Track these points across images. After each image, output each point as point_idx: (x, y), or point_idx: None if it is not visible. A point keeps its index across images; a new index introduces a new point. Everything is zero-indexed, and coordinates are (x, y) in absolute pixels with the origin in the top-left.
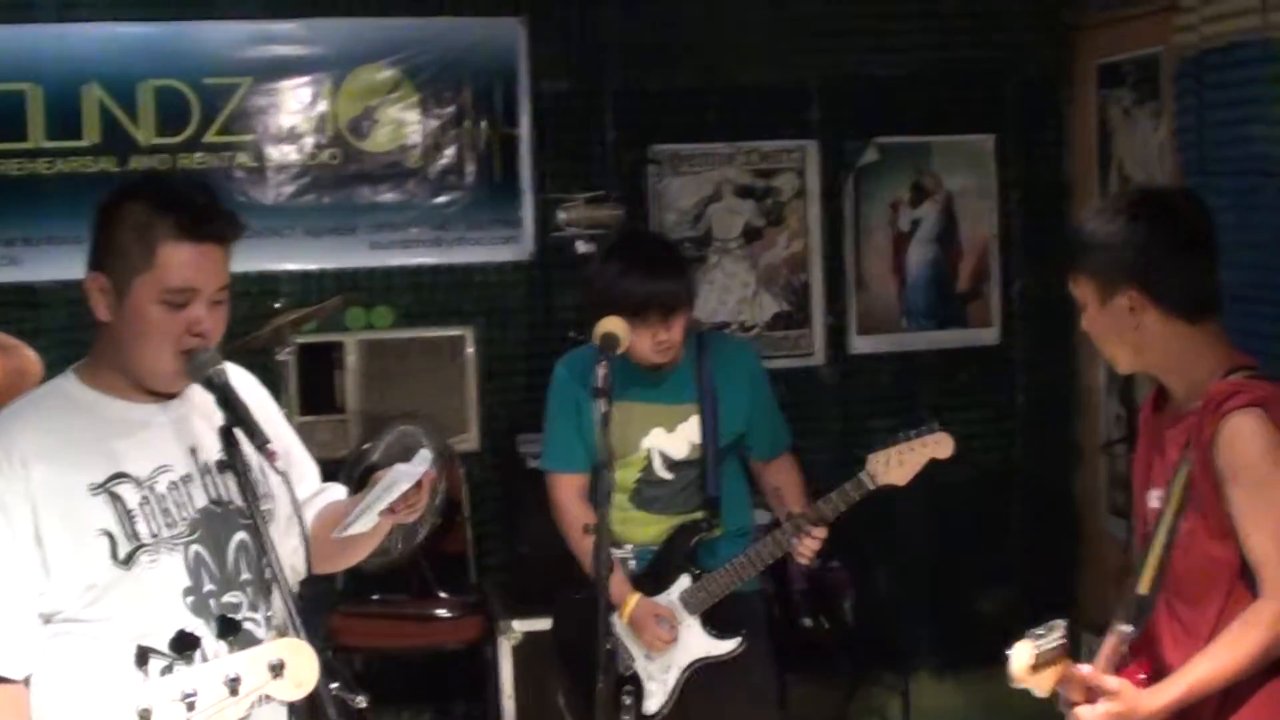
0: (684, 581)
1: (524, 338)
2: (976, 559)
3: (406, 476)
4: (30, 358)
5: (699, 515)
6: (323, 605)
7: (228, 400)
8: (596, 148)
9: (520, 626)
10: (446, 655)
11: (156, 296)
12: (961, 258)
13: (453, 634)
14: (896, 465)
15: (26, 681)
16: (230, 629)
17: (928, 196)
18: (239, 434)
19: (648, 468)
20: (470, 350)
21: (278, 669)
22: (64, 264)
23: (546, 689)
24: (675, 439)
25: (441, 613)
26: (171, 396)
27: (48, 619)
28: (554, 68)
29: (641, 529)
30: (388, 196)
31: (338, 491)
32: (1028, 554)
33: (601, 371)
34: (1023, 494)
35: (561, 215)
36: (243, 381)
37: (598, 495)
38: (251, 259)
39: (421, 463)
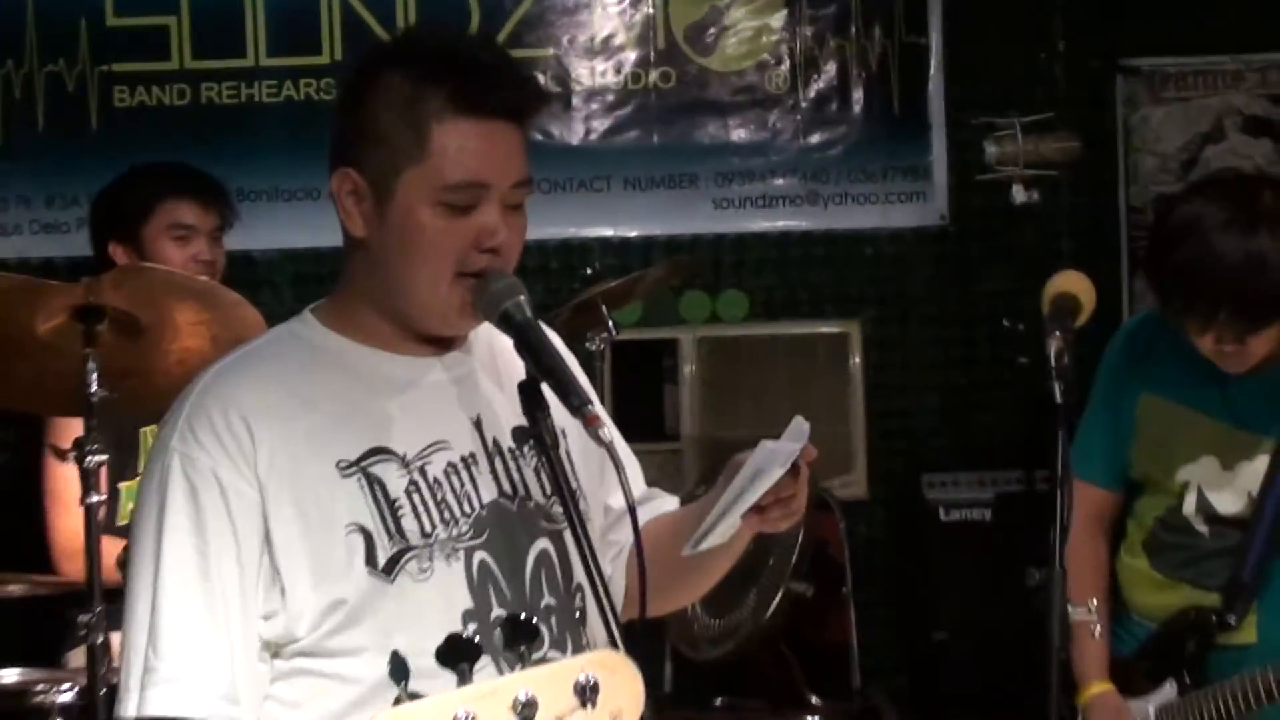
0: (1168, 690)
1: (933, 336)
2: None
3: (779, 457)
4: (255, 320)
5: (1215, 601)
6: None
7: (531, 344)
8: (1042, 65)
9: None
10: None
11: (432, 197)
12: None
13: None
14: None
15: None
16: (524, 634)
17: None
18: (547, 392)
19: (1176, 507)
20: (857, 356)
21: (588, 693)
22: (296, 225)
23: None
24: (1228, 481)
25: None
26: (450, 347)
27: (277, 651)
28: None
29: (1146, 591)
30: (740, 134)
31: (668, 502)
32: None
33: (1055, 346)
34: None
35: (991, 149)
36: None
37: (1058, 522)
38: (551, 220)
39: (796, 437)
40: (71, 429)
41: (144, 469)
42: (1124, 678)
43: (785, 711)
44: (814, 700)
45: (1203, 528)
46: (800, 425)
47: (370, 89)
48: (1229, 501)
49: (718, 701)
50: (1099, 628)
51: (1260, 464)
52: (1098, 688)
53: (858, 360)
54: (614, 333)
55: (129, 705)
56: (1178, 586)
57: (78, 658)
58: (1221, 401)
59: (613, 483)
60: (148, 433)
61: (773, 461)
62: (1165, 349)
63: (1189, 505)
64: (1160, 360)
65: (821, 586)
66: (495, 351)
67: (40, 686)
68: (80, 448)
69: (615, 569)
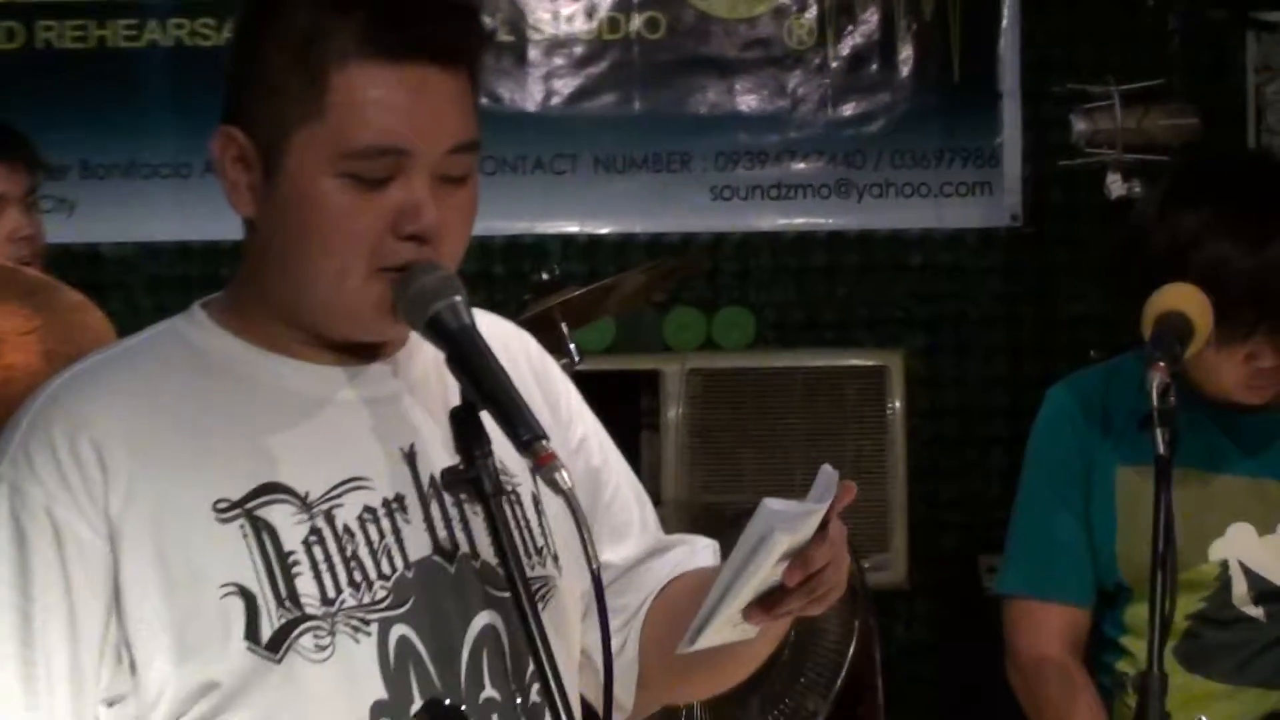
0: None
1: (1001, 371)
2: None
3: (790, 521)
4: (102, 327)
5: None
6: None
7: (467, 358)
8: (1145, 16)
9: None
10: None
11: (333, 165)
12: None
13: None
14: None
15: None
16: None
17: None
18: (486, 418)
19: (1219, 593)
20: (898, 400)
21: None
22: (149, 214)
23: None
24: (1275, 547)
25: None
26: (375, 356)
27: None
28: None
29: (1203, 710)
30: (749, 104)
31: (698, 554)
32: None
33: (1159, 379)
34: None
35: (1080, 126)
36: (495, 334)
37: (1151, 627)
38: (497, 211)
39: (823, 492)
40: None
41: None
42: None
43: None
44: None
45: (1256, 611)
46: (829, 476)
47: (263, 25)
48: None
49: None
50: None
51: None
52: None
53: (899, 404)
54: (576, 359)
55: None
56: (1240, 693)
57: None
58: (1237, 455)
59: (620, 525)
60: None
61: (784, 527)
62: (1127, 413)
63: (1239, 587)
64: (1130, 425)
65: (844, 705)
66: (441, 366)
67: None
68: None
69: (628, 639)
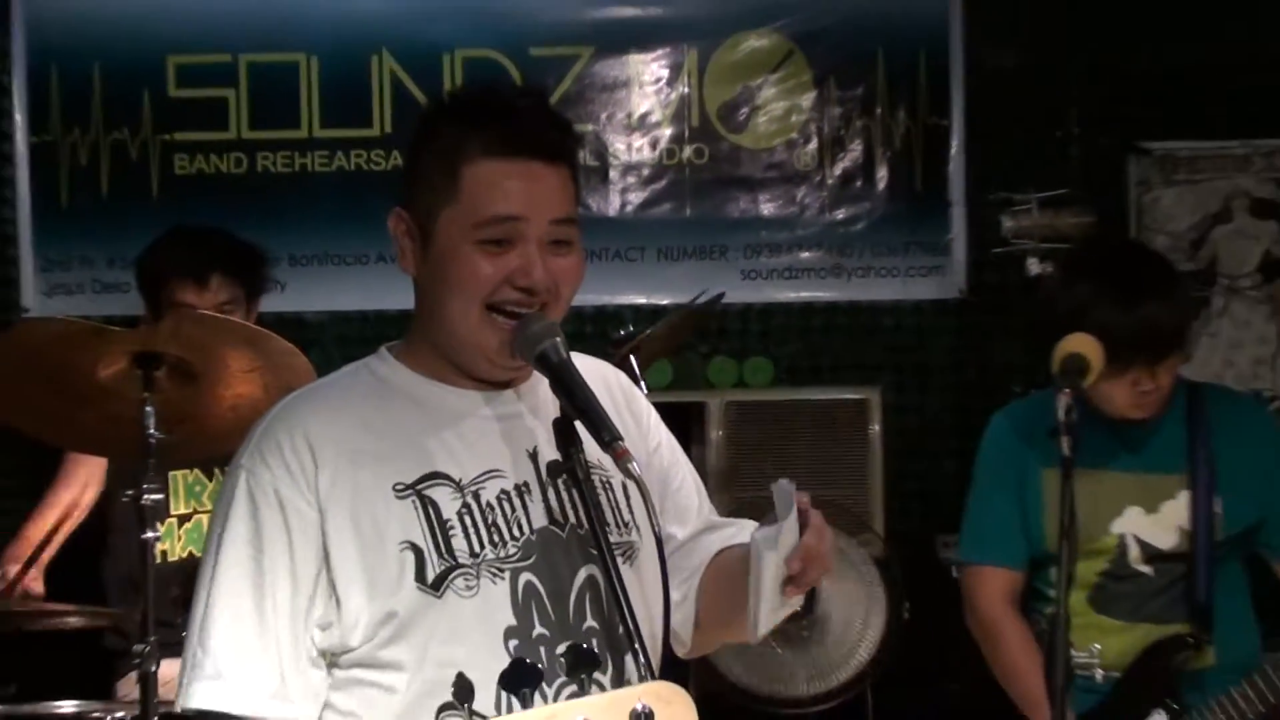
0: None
1: (950, 403)
2: None
3: (773, 537)
4: (305, 369)
5: (1183, 629)
6: None
7: (564, 383)
8: (1057, 147)
9: None
10: None
11: (468, 234)
12: None
13: None
14: None
15: None
16: (586, 662)
17: None
18: (580, 430)
19: (1119, 559)
20: (876, 424)
21: None
22: (342, 290)
23: None
24: (1158, 522)
25: None
26: (505, 388)
27: (334, 661)
28: (997, 37)
29: (1105, 640)
30: (769, 209)
31: (743, 531)
32: None
33: (1064, 402)
34: None
35: (1008, 224)
36: (594, 370)
37: (1059, 582)
38: (587, 287)
39: (784, 503)
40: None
41: (221, 486)
42: None
43: None
44: None
45: (1146, 568)
46: (784, 489)
47: (421, 138)
48: (1164, 539)
49: None
50: (1100, 674)
51: (1181, 498)
52: None
53: (877, 427)
54: (644, 391)
55: (180, 699)
56: (1136, 627)
57: (126, 686)
58: (1127, 456)
59: (681, 508)
60: (177, 477)
61: (768, 546)
62: (1047, 430)
63: (1133, 553)
64: (1049, 439)
65: None
66: (552, 394)
67: (95, 715)
68: (138, 487)
69: (688, 594)
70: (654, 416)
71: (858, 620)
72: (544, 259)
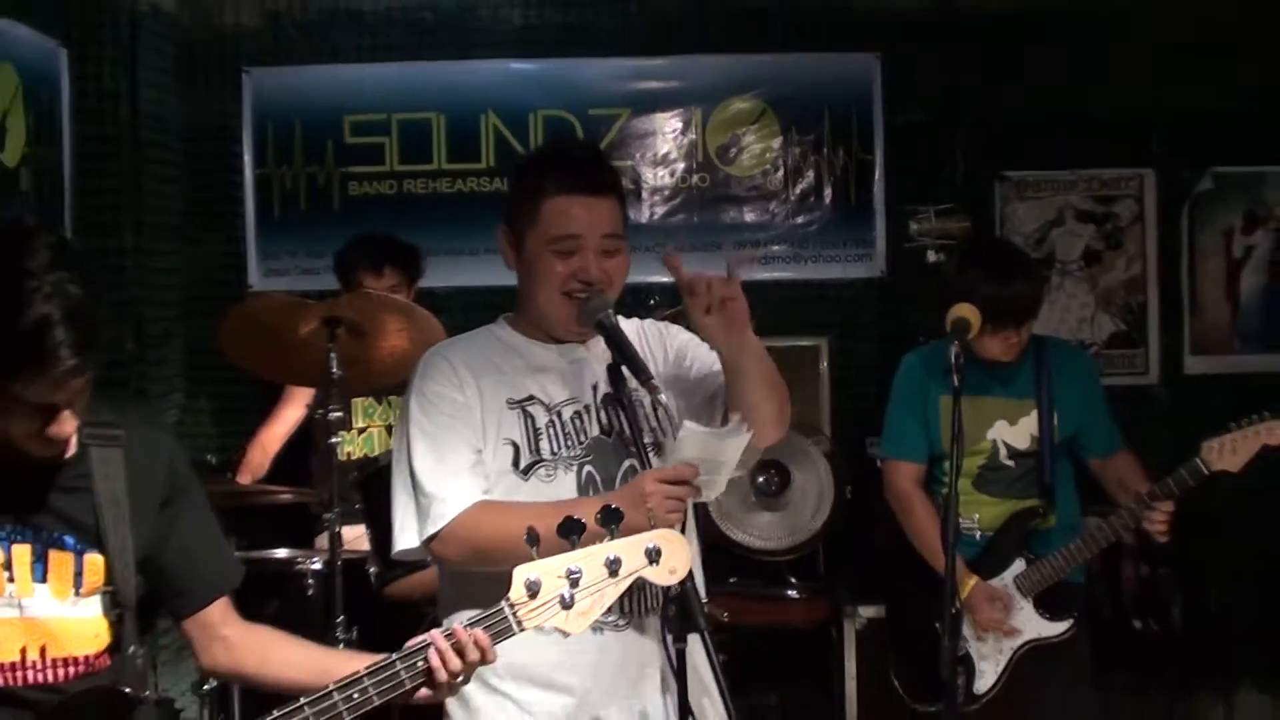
0: (1018, 565)
1: (875, 349)
2: None
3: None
4: (439, 328)
5: (1035, 503)
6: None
7: (614, 341)
8: (947, 174)
9: (865, 612)
10: (794, 637)
11: (544, 247)
12: None
13: (803, 614)
14: (1230, 452)
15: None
16: (613, 517)
17: (1260, 225)
18: (625, 372)
19: (992, 455)
20: (825, 362)
21: (654, 555)
22: (461, 272)
23: (886, 672)
24: (1017, 431)
25: (792, 594)
26: (577, 343)
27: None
28: (907, 100)
29: (982, 509)
30: (750, 217)
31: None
32: None
33: (955, 350)
34: None
35: (914, 226)
36: (633, 328)
37: (951, 471)
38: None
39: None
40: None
41: (402, 402)
42: (979, 571)
43: (774, 585)
44: (792, 580)
45: (1010, 462)
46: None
47: (516, 180)
48: (1022, 442)
49: (732, 580)
50: (979, 534)
51: (1032, 416)
52: (971, 580)
53: (825, 364)
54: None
55: (407, 537)
56: (1003, 502)
57: (322, 541)
58: (997, 387)
59: (699, 367)
60: (357, 402)
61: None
62: (943, 368)
63: (1002, 452)
64: (945, 375)
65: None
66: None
67: (299, 559)
68: (324, 406)
69: (716, 394)
70: (682, 334)
71: (814, 496)
72: (599, 261)
